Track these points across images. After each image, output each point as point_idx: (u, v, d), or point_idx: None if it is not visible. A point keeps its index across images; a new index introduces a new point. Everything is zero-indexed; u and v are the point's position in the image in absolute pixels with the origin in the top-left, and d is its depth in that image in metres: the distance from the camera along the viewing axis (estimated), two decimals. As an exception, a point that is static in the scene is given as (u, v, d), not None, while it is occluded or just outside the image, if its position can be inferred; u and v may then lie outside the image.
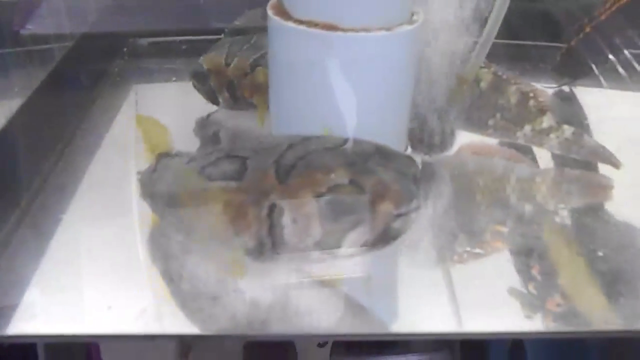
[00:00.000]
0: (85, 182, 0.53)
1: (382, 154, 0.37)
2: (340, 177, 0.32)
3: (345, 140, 0.38)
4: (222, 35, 0.67)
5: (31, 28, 0.68)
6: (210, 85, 0.58)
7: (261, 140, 0.42)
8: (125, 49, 0.79)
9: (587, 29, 0.63)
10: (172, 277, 0.40)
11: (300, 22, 0.43)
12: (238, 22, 0.72)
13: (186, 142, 0.58)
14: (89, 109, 0.64)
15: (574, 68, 0.66)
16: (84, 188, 0.52)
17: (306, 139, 0.39)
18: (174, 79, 0.73)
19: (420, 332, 0.40)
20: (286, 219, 0.34)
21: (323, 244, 0.34)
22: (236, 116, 0.62)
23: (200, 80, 0.59)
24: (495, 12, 0.47)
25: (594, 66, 0.66)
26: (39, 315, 0.39)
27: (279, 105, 0.48)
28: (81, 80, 0.69)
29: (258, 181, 0.34)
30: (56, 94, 0.63)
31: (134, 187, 0.48)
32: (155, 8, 0.83)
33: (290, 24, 0.44)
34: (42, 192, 0.51)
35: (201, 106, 0.63)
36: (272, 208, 0.34)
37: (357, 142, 0.39)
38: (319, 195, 0.32)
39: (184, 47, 0.81)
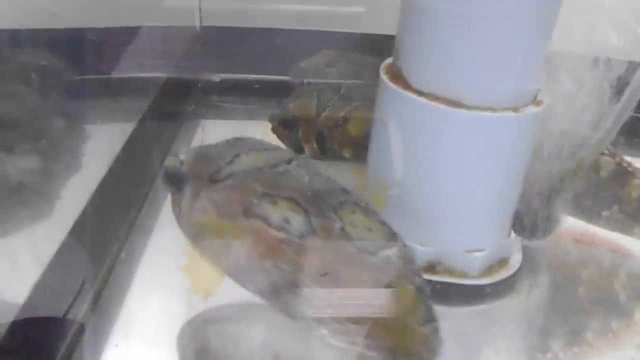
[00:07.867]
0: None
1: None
2: None
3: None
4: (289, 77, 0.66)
5: (120, 71, 0.69)
6: (297, 132, 0.55)
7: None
8: (199, 85, 0.78)
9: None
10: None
11: (421, 93, 0.40)
12: (314, 60, 0.70)
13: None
14: (167, 148, 0.63)
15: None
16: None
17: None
18: (246, 118, 0.72)
19: None
20: None
21: None
22: (321, 165, 0.59)
23: (288, 126, 0.55)
24: (630, 90, 0.43)
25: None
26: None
27: (380, 171, 0.45)
28: (162, 120, 0.67)
29: None
30: (145, 136, 0.62)
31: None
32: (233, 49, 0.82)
33: (410, 94, 0.40)
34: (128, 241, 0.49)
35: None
36: None
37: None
38: None
39: (256, 86, 0.80)
